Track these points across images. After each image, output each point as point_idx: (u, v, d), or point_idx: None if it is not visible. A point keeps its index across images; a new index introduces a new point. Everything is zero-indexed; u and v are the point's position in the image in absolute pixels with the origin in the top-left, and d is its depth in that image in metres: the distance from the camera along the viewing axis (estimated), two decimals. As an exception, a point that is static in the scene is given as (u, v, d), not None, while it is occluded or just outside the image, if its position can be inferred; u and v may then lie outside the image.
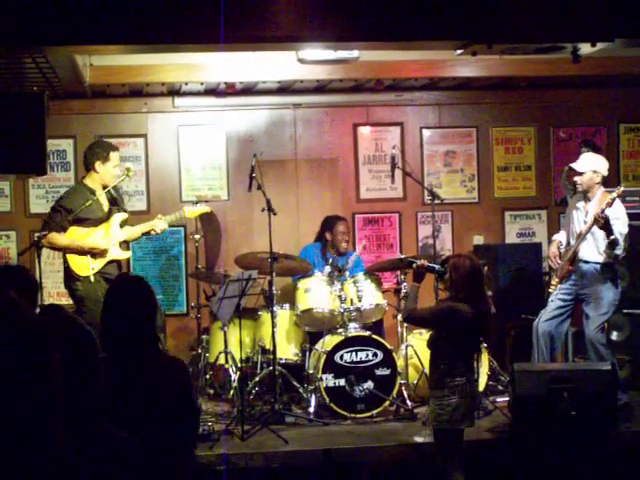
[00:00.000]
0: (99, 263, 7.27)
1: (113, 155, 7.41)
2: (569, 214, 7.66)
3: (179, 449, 3.88)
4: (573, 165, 7.49)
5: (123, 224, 7.52)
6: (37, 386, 1.76)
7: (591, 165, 7.42)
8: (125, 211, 7.62)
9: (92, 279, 7.18)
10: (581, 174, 7.39)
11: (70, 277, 7.28)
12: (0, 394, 1.71)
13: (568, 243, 7.56)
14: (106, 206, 7.44)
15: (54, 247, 7.37)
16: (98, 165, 7.35)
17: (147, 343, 3.89)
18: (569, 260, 7.39)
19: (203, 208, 8.01)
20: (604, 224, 7.02)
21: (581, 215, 7.44)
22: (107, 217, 7.41)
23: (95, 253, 7.26)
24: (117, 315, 3.91)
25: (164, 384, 3.84)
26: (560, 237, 7.73)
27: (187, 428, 3.95)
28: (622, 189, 7.24)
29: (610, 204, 7.01)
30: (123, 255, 7.56)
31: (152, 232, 7.59)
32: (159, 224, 7.57)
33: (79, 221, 7.29)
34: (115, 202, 7.55)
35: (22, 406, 1.73)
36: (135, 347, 3.85)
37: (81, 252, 7.24)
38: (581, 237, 7.31)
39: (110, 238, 7.33)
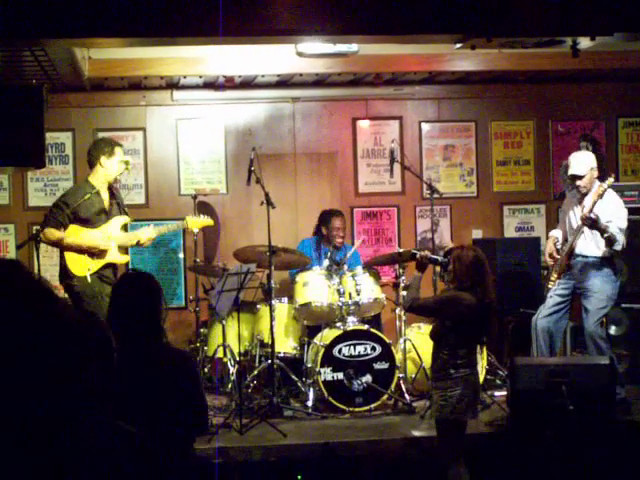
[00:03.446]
0: (96, 264, 7.16)
1: (118, 150, 7.33)
2: (567, 208, 7.64)
3: (177, 442, 3.89)
4: (574, 172, 7.32)
5: (123, 228, 7.47)
6: (77, 380, 1.79)
7: (587, 164, 7.35)
8: (127, 214, 7.52)
9: (89, 279, 7.08)
10: (582, 177, 7.32)
11: (66, 275, 7.17)
12: (39, 388, 1.73)
13: (565, 238, 7.54)
14: (107, 202, 7.33)
15: (52, 243, 7.26)
16: (104, 160, 7.24)
17: (151, 336, 3.93)
18: (567, 255, 7.38)
19: (206, 220, 7.88)
20: (592, 224, 7.00)
21: (578, 209, 7.41)
22: (108, 217, 7.31)
23: (93, 253, 7.16)
24: (122, 308, 3.96)
25: (164, 376, 3.87)
26: (556, 233, 7.71)
27: (187, 419, 3.98)
28: (612, 180, 7.20)
29: (601, 195, 6.99)
30: (121, 259, 7.45)
31: (138, 243, 7.43)
32: (145, 233, 7.41)
33: (80, 220, 7.21)
34: (116, 200, 7.45)
35: (60, 401, 1.75)
36: (139, 340, 3.89)
37: (79, 250, 7.14)
38: (578, 231, 7.30)
39: (110, 240, 7.24)
